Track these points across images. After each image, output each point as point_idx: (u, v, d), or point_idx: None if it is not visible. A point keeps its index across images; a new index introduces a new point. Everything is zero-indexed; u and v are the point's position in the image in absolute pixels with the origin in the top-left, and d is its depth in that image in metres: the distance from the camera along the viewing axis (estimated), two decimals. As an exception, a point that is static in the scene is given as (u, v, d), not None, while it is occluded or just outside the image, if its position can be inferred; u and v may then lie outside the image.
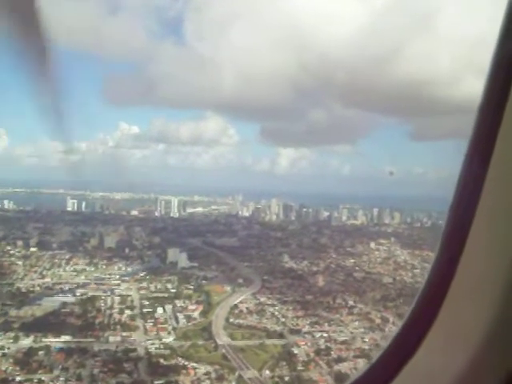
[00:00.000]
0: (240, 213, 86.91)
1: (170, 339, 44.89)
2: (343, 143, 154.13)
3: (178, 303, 51.88)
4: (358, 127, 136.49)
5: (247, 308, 51.71)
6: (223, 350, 43.23)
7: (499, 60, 2.29)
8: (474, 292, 2.45)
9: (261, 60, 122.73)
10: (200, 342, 44.48)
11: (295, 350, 43.88)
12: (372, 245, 70.47)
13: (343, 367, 41.76)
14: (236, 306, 52.14)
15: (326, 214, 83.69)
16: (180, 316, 49.24)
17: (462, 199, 2.47)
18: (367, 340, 46.31)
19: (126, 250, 67.36)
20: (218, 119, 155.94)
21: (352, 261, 65.20)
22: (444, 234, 2.57)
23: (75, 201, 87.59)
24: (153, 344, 43.63)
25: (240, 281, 58.73)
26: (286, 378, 40.04)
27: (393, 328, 48.33)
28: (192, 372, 39.81)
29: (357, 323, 49.24)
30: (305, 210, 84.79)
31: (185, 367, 40.47)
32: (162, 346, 43.51)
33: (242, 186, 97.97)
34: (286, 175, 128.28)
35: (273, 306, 52.33)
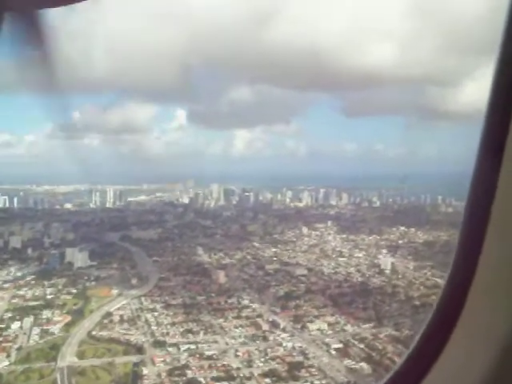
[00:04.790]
0: (180, 200, 79.41)
1: (4, 363, 37.38)
2: (278, 123, 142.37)
3: (45, 314, 44.43)
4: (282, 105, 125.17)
5: (121, 316, 43.93)
6: (58, 375, 35.59)
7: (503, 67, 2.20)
8: (492, 300, 2.42)
9: (142, 36, 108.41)
10: (37, 366, 36.90)
11: (145, 370, 35.91)
12: (304, 230, 61.97)
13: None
14: (110, 313, 44.42)
15: (270, 196, 75.55)
16: (36, 331, 41.67)
17: (473, 212, 2.44)
18: (240, 354, 37.94)
19: (29, 251, 60.49)
20: (142, 105, 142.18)
21: (273, 250, 56.95)
22: (459, 244, 2.51)
23: (6, 197, 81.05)
24: (-23, 371, 36.21)
25: (134, 281, 51.02)
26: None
27: (281, 336, 40.17)
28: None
29: (239, 330, 40.99)
30: (246, 194, 76.53)
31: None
32: (-13, 374, 36.04)
33: (194, 172, 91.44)
34: (241, 158, 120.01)
35: (153, 311, 44.49)
